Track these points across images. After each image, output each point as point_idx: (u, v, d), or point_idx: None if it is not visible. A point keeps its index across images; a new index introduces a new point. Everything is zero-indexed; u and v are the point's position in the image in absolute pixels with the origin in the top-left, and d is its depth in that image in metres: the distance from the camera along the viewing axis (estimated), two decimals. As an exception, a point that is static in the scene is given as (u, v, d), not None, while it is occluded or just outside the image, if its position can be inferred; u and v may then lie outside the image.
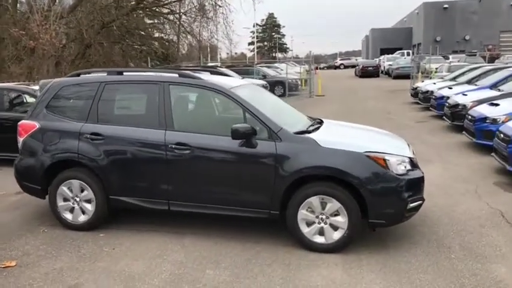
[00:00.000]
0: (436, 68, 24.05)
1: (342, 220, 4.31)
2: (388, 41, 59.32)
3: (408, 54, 42.74)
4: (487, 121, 8.34)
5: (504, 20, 46.51)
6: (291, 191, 4.40)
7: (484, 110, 8.80)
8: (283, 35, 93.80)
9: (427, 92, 15.23)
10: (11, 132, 6.11)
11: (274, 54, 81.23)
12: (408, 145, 5.06)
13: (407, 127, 11.98)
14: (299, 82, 25.62)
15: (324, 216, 4.37)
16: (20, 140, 5.16)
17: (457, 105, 10.88)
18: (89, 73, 5.43)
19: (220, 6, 23.11)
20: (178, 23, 24.97)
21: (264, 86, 20.06)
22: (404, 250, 4.42)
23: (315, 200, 4.34)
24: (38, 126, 5.07)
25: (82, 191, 4.95)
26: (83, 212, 4.99)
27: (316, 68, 42.60)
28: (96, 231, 4.97)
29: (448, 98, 12.01)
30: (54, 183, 5.01)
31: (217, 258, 4.33)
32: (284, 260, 4.27)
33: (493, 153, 7.25)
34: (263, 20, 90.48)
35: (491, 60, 31.04)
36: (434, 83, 15.86)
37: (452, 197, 6.03)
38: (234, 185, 4.59)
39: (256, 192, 4.51)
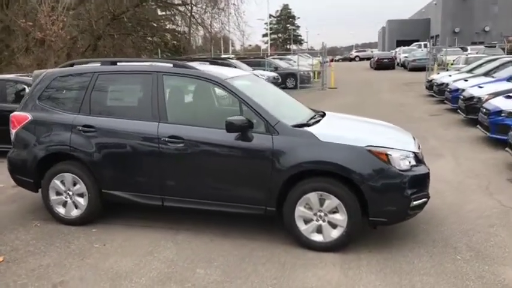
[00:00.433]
0: (453, 60, 23.46)
1: (340, 218, 4.09)
2: (405, 32, 58.35)
3: (425, 46, 41.88)
4: (502, 114, 7.97)
5: (525, 11, 45.30)
6: (288, 187, 4.20)
7: (500, 102, 8.42)
8: (298, 27, 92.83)
9: (442, 84, 14.80)
10: None
11: (288, 46, 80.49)
12: (414, 139, 4.80)
13: (420, 120, 11.64)
14: (311, 74, 25.25)
15: (322, 214, 4.15)
16: (13, 131, 5.05)
17: (472, 98, 10.49)
18: (82, 63, 5.27)
19: (231, -4, 22.87)
20: (189, 14, 24.78)
21: (275, 78, 19.89)
22: (407, 250, 4.19)
23: (312, 197, 4.13)
24: (30, 118, 4.94)
25: (75, 184, 4.82)
26: (76, 207, 4.86)
27: (332, 60, 42.10)
28: (90, 226, 4.83)
29: (463, 90, 11.60)
30: (47, 176, 4.88)
31: (210, 256, 4.15)
32: (280, 258, 4.07)
33: (507, 148, 6.92)
34: (277, 11, 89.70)
35: (511, 51, 30.17)
36: (450, 75, 15.40)
37: (462, 193, 5.75)
38: (229, 180, 4.40)
39: (252, 188, 4.31)
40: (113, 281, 3.73)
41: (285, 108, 5.05)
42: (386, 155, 4.06)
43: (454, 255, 4.05)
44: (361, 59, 61.81)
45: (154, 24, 25.47)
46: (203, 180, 4.46)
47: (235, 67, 6.42)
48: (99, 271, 3.90)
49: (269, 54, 31.86)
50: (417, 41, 47.91)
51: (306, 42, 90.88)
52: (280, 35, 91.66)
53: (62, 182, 4.85)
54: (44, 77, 5.07)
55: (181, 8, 24.83)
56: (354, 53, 69.28)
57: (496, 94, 9.44)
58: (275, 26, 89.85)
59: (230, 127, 4.16)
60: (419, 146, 4.66)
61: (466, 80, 12.79)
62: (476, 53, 26.46)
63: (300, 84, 22.00)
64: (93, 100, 4.81)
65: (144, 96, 4.70)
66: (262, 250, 4.23)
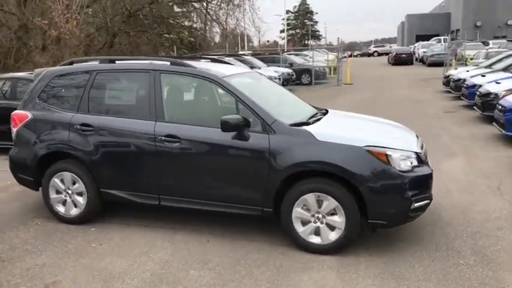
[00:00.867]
0: (473, 55, 22.87)
1: (339, 220, 3.98)
2: (425, 27, 57.23)
3: (445, 40, 40.99)
4: (519, 111, 7.71)
5: (550, 3, 43.91)
6: (286, 188, 4.10)
7: (516, 99, 8.14)
8: (316, 22, 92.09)
9: (459, 80, 14.40)
10: None
11: (306, 42, 79.90)
12: (417, 138, 4.64)
13: (435, 117, 11.37)
14: (327, 70, 24.97)
15: (320, 215, 4.04)
16: (14, 130, 5.07)
17: (488, 94, 10.15)
18: (82, 61, 5.25)
19: (246, -8, 22.74)
20: (205, 11, 24.75)
21: (289, 74, 19.73)
22: (408, 254, 4.04)
23: (310, 198, 4.02)
24: (30, 117, 4.95)
25: (74, 183, 4.81)
26: (75, 205, 4.85)
27: (350, 56, 41.55)
28: (89, 225, 4.82)
29: (480, 86, 11.26)
30: (47, 175, 4.88)
31: (206, 257, 4.08)
32: (275, 261, 3.98)
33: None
34: (295, 7, 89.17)
35: (534, 46, 29.27)
36: (468, 71, 15.00)
37: (472, 194, 5.55)
38: (226, 180, 4.32)
39: (248, 188, 4.22)
40: (105, 282, 3.69)
41: (286, 106, 4.95)
42: (386, 155, 3.92)
43: (457, 260, 3.89)
44: (380, 54, 60.91)
45: (171, 21, 25.52)
46: (200, 179, 4.39)
47: (242, 64, 6.33)
48: (93, 271, 3.87)
49: (285, 50, 31.62)
50: (437, 35, 46.90)
51: (324, 38, 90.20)
52: (298, 30, 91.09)
53: (62, 181, 4.85)
54: (44, 76, 5.07)
55: (197, 5, 24.84)
56: (372, 48, 68.34)
57: (513, 90, 9.11)
58: (293, 21, 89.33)
59: (225, 126, 4.08)
60: (422, 146, 4.50)
61: (484, 76, 12.42)
62: (498, 47, 25.76)
63: (315, 80, 21.76)
64: (92, 98, 4.78)
65: (142, 94, 4.65)
66: (259, 252, 4.14)
